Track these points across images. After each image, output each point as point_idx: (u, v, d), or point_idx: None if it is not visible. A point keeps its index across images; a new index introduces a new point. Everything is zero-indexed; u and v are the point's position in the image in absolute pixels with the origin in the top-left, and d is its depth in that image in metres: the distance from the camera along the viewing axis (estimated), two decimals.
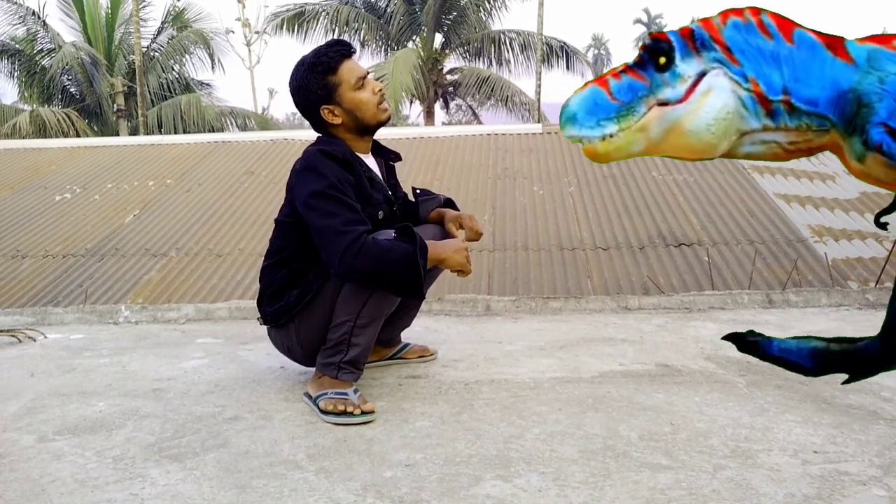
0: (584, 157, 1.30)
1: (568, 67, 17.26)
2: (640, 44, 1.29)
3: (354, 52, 1.93)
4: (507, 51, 16.94)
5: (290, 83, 1.91)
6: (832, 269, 3.18)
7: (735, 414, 1.71)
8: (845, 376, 1.71)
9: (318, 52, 1.88)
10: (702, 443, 1.54)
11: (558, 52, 17.06)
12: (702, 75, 1.23)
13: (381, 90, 1.92)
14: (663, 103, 1.23)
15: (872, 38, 1.25)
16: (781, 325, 2.63)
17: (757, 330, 1.75)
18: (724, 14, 1.27)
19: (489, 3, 17.07)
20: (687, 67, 1.23)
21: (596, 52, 54.53)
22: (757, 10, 1.25)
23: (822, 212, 3.80)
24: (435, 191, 2.22)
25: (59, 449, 1.61)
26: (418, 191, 2.16)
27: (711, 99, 1.22)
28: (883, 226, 1.44)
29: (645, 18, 53.28)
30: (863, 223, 3.62)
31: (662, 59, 1.23)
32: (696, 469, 1.41)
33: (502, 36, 16.96)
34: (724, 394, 1.86)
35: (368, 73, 1.93)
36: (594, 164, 4.66)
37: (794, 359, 1.63)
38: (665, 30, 1.31)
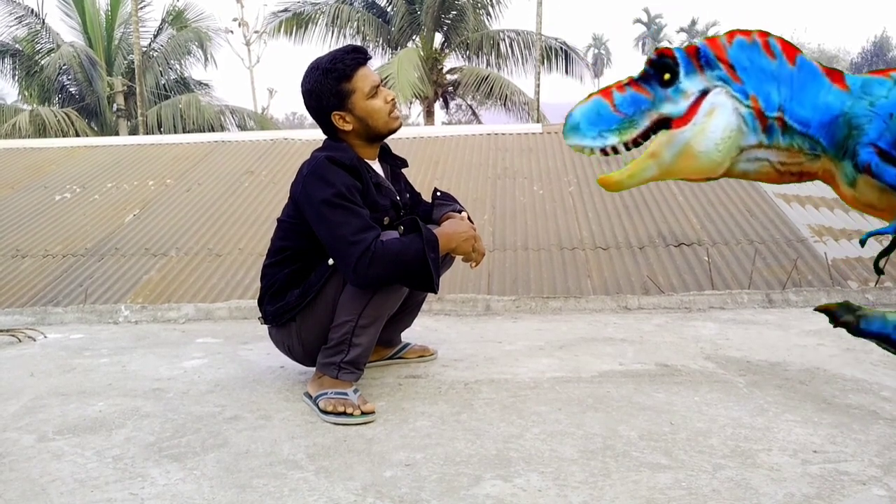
0: (600, 186, 1.32)
1: (567, 68, 17.25)
2: (647, 59, 1.30)
3: (370, 58, 1.92)
4: (507, 50, 16.93)
5: (302, 84, 1.89)
6: (832, 268, 3.18)
7: (735, 414, 1.71)
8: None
9: (334, 58, 1.86)
10: (701, 442, 1.54)
11: (558, 52, 17.06)
12: (704, 93, 1.25)
13: (392, 99, 1.91)
14: (665, 118, 1.25)
15: (871, 72, 1.28)
16: (781, 324, 2.63)
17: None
18: (731, 34, 1.29)
19: (488, 2, 17.05)
20: (690, 84, 1.25)
21: (596, 51, 54.49)
22: (765, 34, 1.27)
23: (822, 211, 3.80)
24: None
25: (59, 449, 1.61)
26: (439, 193, 2.15)
27: (716, 118, 1.24)
28: (881, 271, 1.43)
29: (645, 18, 53.27)
30: (863, 223, 3.62)
31: (667, 76, 1.25)
32: (696, 469, 1.41)
33: (501, 34, 16.95)
34: (724, 393, 1.86)
35: (383, 80, 1.92)
36: (593, 163, 4.68)
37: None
38: (670, 45, 1.33)
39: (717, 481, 1.35)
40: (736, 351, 2.28)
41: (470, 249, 1.91)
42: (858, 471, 1.39)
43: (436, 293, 1.86)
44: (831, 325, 1.56)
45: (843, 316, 1.51)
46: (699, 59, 1.26)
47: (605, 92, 1.28)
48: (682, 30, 51.27)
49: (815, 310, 1.55)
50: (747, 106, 1.24)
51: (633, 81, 1.28)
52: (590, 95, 1.29)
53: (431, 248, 1.75)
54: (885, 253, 1.43)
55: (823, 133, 1.24)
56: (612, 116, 1.25)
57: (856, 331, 1.51)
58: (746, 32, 1.28)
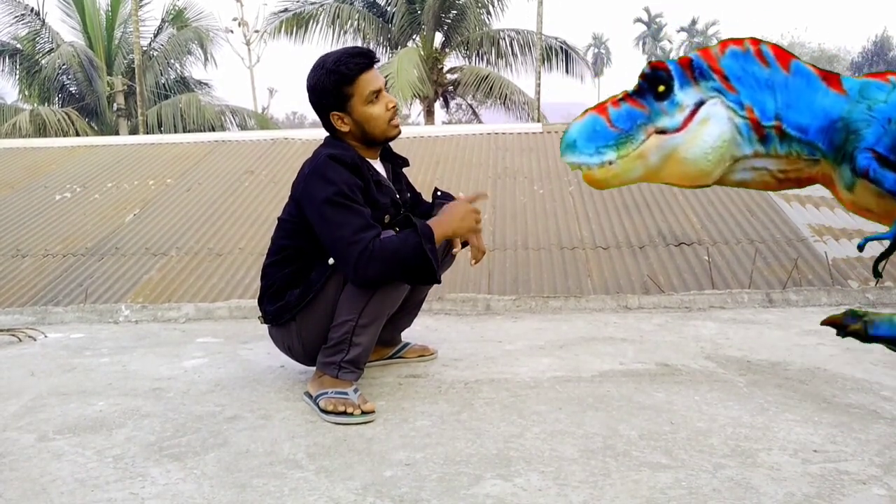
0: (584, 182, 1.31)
1: (567, 67, 17.25)
2: (640, 73, 1.30)
3: (377, 61, 1.91)
4: (507, 50, 16.93)
5: (307, 79, 1.90)
6: (832, 268, 3.18)
7: (735, 413, 1.71)
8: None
9: (338, 59, 1.85)
10: (702, 442, 1.54)
11: (558, 51, 17.06)
12: (700, 104, 1.25)
13: (394, 106, 1.91)
14: (661, 131, 1.25)
15: (870, 74, 1.27)
16: (781, 324, 2.63)
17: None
18: (724, 43, 1.28)
19: (489, 1, 17.05)
20: (685, 96, 1.25)
21: (596, 51, 54.49)
22: (757, 41, 1.26)
23: (823, 211, 3.80)
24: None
25: (59, 448, 1.61)
26: (439, 192, 2.15)
27: (709, 128, 1.23)
28: (879, 274, 1.42)
29: (645, 17, 53.24)
30: (863, 223, 3.61)
31: (661, 88, 1.25)
32: (696, 468, 1.41)
33: (502, 34, 16.95)
34: (724, 393, 1.86)
35: (386, 85, 1.92)
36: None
37: None
38: (665, 58, 1.32)
39: (718, 481, 1.35)
40: (736, 350, 2.28)
41: (473, 225, 1.87)
42: (859, 470, 1.39)
43: (439, 283, 1.85)
44: (840, 337, 1.53)
45: (851, 324, 1.50)
46: (693, 70, 1.26)
47: (601, 108, 1.28)
48: (682, 29, 51.30)
49: (822, 323, 1.53)
50: (742, 116, 1.24)
51: (627, 96, 1.27)
52: (585, 112, 1.29)
53: (427, 239, 1.74)
54: (885, 256, 1.42)
55: (822, 138, 1.24)
56: (608, 132, 1.25)
57: (866, 337, 1.49)
58: (738, 41, 1.27)
